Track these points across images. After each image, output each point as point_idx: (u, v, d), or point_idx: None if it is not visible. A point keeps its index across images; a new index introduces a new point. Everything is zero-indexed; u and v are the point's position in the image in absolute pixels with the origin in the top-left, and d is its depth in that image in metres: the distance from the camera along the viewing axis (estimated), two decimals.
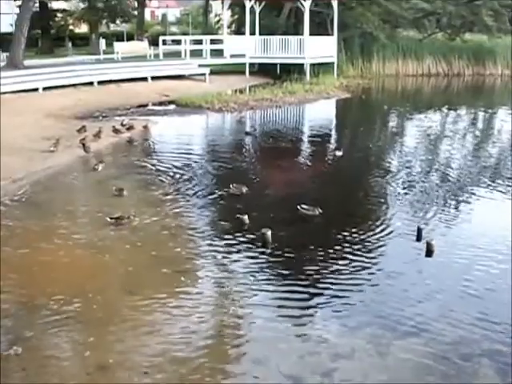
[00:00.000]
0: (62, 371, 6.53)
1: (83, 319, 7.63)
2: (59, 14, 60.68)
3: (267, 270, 9.14)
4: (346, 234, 10.54)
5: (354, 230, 10.69)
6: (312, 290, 8.41)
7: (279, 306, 7.96)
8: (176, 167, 15.43)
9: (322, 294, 8.31)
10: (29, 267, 9.23)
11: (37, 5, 47.15)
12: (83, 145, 16.96)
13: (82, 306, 7.91)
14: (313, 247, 9.95)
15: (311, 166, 16.62)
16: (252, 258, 9.57)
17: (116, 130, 19.32)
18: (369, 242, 10.27)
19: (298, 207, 11.46)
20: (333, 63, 37.44)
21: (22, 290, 8.46)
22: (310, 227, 11.03)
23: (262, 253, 9.75)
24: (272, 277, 8.92)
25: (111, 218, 10.95)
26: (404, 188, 13.70)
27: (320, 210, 11.33)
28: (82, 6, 60.45)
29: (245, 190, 12.81)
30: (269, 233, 10.08)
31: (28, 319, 7.65)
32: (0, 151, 15.51)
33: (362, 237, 10.46)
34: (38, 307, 7.91)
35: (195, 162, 16.35)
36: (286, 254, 9.69)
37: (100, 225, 11.03)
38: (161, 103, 27.31)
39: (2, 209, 11.99)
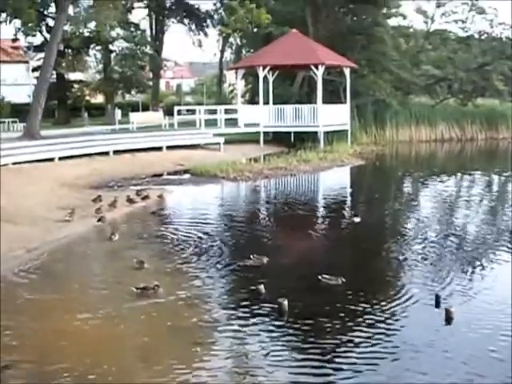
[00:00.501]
0: None
1: None
2: (76, 85, 61.74)
3: (283, 342, 8.93)
4: (365, 302, 10.32)
5: (373, 299, 10.48)
6: (329, 365, 8.17)
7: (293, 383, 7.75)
8: (193, 237, 15.29)
9: (340, 370, 8.06)
10: (43, 338, 9.11)
11: (54, 76, 48.02)
12: (99, 215, 16.97)
13: (97, 377, 7.75)
14: (332, 317, 9.73)
15: (329, 233, 16.47)
16: (268, 331, 9.35)
17: (130, 200, 19.35)
18: (388, 310, 10.02)
19: (319, 277, 11.28)
20: (346, 130, 37.69)
21: (36, 359, 8.35)
22: (330, 296, 10.80)
23: (279, 324, 9.57)
24: (288, 349, 8.70)
25: (137, 288, 10.77)
26: (422, 254, 13.48)
27: (343, 279, 11.17)
28: (98, 76, 61.59)
29: (266, 260, 12.58)
30: (285, 302, 9.93)
31: None
32: (17, 220, 15.59)
33: (382, 305, 10.23)
34: (52, 378, 7.76)
35: (212, 231, 16.16)
36: (304, 326, 9.46)
37: (116, 295, 10.92)
38: (176, 172, 27.40)
39: (16, 279, 11.92)
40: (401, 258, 13.35)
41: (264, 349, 8.61)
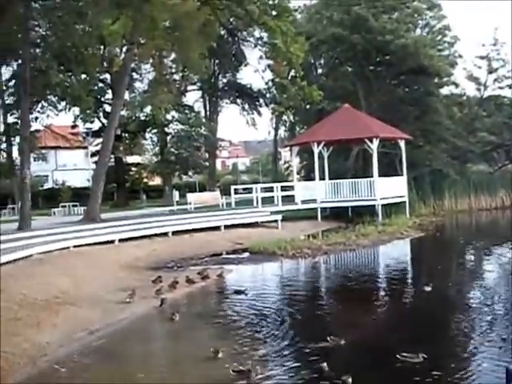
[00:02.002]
0: None
1: None
2: (134, 168, 63.05)
3: None
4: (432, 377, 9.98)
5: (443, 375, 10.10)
6: None
7: None
8: (254, 316, 15.06)
9: None
10: None
11: (112, 160, 49.09)
12: (160, 297, 16.95)
13: None
14: None
15: (400, 305, 16.09)
16: None
17: (190, 280, 19.30)
18: None
19: (398, 356, 10.88)
20: (404, 202, 37.39)
21: None
22: (405, 373, 10.41)
23: None
24: None
25: (233, 371, 10.48)
26: (493, 324, 13.08)
27: (424, 356, 10.73)
28: (155, 159, 62.73)
29: (343, 342, 12.06)
30: (349, 380, 9.64)
31: None
32: (79, 303, 15.69)
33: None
34: None
35: (274, 310, 15.85)
36: None
37: (172, 375, 10.78)
38: (234, 251, 27.32)
39: (78, 361, 11.91)
40: (472, 328, 12.97)
41: None
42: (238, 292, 17.99)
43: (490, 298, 16.13)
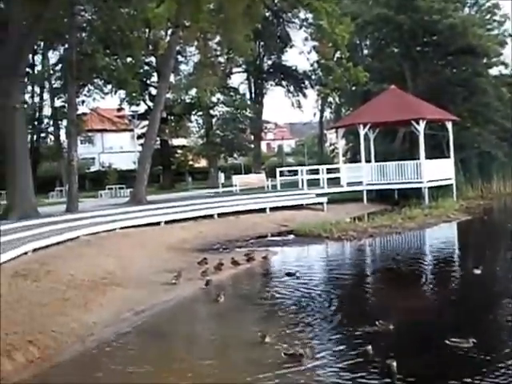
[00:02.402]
0: None
1: None
2: (179, 150, 63.36)
3: None
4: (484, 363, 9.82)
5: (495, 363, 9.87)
6: None
7: None
8: (300, 299, 15.02)
9: None
10: None
11: (158, 142, 49.38)
12: (205, 278, 17.01)
13: None
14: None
15: (449, 288, 15.97)
16: None
17: (235, 262, 19.34)
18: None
19: (447, 341, 10.71)
20: (451, 185, 36.89)
21: None
22: (455, 358, 10.23)
23: None
24: None
25: (285, 354, 10.35)
26: None
27: (474, 341, 10.52)
28: (200, 141, 62.92)
29: (392, 327, 11.82)
30: (394, 364, 9.56)
31: None
32: (125, 284, 15.86)
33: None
34: None
35: (320, 292, 15.75)
36: None
37: (217, 356, 10.84)
38: (279, 233, 27.32)
39: (124, 339, 12.07)
40: None
41: None
42: (289, 274, 17.81)
43: None
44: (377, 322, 11.98)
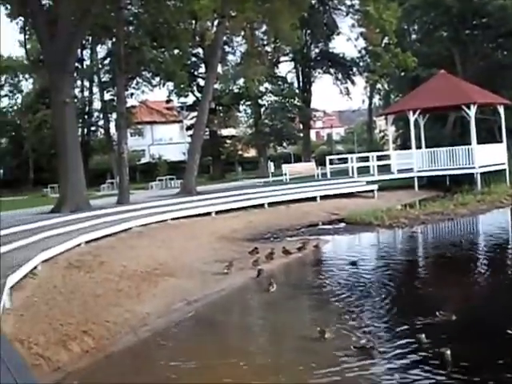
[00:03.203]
0: None
1: None
2: (228, 141, 63.49)
3: None
4: None
5: None
6: None
7: None
8: (353, 287, 14.88)
9: None
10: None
11: (207, 133, 49.58)
12: (257, 268, 17.00)
13: None
14: None
15: (507, 276, 15.61)
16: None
17: (287, 251, 19.29)
18: None
19: (509, 331, 10.53)
20: (504, 170, 36.22)
21: None
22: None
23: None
24: None
25: (355, 347, 10.22)
26: None
27: None
28: (249, 131, 63.00)
29: (454, 317, 11.50)
30: (448, 352, 9.41)
31: None
32: (177, 274, 15.98)
33: None
34: None
35: (374, 281, 15.57)
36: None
37: (270, 345, 10.81)
38: (330, 222, 27.17)
39: (177, 330, 12.19)
40: None
41: None
42: (353, 264, 17.47)
43: None
44: (437, 313, 11.71)
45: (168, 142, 78.41)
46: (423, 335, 10.37)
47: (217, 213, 27.51)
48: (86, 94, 60.24)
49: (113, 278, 15.33)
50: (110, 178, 52.50)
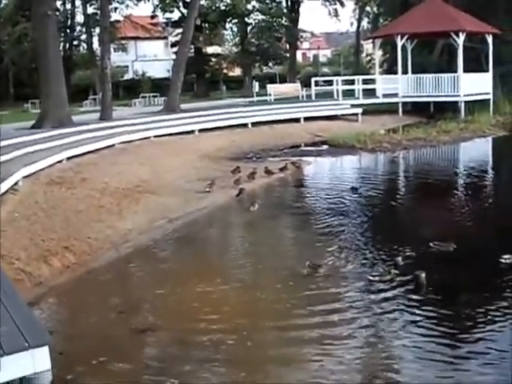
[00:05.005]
0: None
1: (236, 355, 7.66)
2: (213, 59, 62.65)
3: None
4: None
5: None
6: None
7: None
8: (329, 209, 15.05)
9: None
10: (184, 302, 9.35)
11: (192, 50, 48.92)
12: (238, 187, 17.07)
13: (236, 343, 7.90)
14: None
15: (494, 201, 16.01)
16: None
17: (268, 171, 19.37)
18: None
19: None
20: (489, 100, 36.16)
21: (178, 326, 8.54)
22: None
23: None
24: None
25: (311, 267, 10.33)
26: None
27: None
28: (235, 50, 62.21)
29: (452, 247, 11.26)
30: (423, 275, 9.57)
31: (185, 354, 7.68)
32: (159, 192, 16.05)
33: None
34: (193, 344, 7.94)
35: (353, 203, 15.76)
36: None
37: (250, 263, 11.05)
38: (313, 144, 27.23)
39: (158, 246, 12.37)
40: None
41: None
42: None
43: None
44: (431, 244, 11.44)
45: (152, 58, 77.26)
46: (400, 258, 10.54)
47: (200, 131, 27.42)
48: (68, 6, 58.90)
49: (94, 195, 15.34)
50: (92, 94, 51.84)
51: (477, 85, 35.18)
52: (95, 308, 9.40)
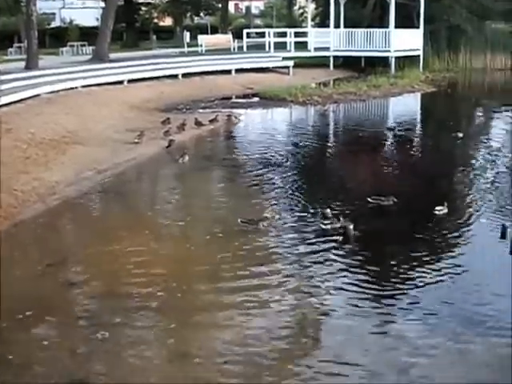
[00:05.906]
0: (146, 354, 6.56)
1: (166, 307, 7.66)
2: (144, 8, 61.47)
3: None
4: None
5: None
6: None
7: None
8: (260, 161, 15.10)
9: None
10: (113, 255, 9.24)
11: None
12: (168, 138, 16.91)
13: (166, 295, 7.91)
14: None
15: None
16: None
17: (198, 123, 19.24)
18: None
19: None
20: (418, 56, 36.58)
21: (108, 279, 8.50)
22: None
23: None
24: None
25: (242, 222, 10.27)
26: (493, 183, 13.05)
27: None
28: None
29: (392, 201, 11.30)
30: (351, 227, 9.71)
31: (115, 306, 7.61)
32: (87, 142, 15.78)
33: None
34: (123, 296, 7.90)
35: (282, 155, 15.85)
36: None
37: (180, 216, 11.01)
38: (244, 96, 27.14)
39: (86, 198, 12.24)
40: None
41: None
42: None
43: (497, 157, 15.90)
44: (369, 199, 11.46)
45: (80, 6, 75.41)
46: (328, 210, 10.62)
47: (129, 81, 26.91)
48: None
49: (20, 146, 14.93)
50: (17, 41, 50.23)
51: (407, 41, 35.54)
52: (22, 261, 9.21)
